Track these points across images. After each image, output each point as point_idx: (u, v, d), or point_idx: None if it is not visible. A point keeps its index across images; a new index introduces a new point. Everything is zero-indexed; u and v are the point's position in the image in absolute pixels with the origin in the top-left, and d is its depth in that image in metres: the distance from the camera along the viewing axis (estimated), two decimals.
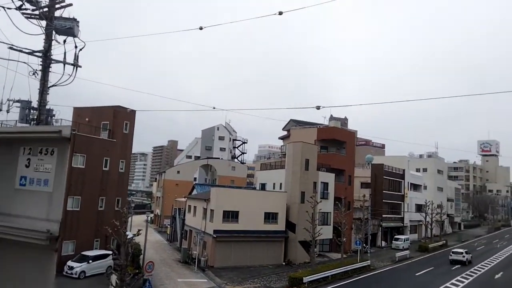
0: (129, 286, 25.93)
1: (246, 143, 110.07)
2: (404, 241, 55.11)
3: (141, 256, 31.76)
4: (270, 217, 39.72)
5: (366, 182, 56.36)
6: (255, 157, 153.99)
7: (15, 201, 2.51)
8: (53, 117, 14.54)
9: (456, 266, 42.88)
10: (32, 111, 14.23)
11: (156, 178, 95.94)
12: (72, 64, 14.46)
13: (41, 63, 14.48)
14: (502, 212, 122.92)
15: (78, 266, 28.37)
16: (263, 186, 47.88)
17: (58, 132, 2.23)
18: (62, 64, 14.94)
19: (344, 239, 44.21)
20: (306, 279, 30.50)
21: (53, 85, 14.25)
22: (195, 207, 43.37)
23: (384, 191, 56.38)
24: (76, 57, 14.61)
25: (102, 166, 32.23)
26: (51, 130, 2.27)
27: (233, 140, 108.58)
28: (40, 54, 14.58)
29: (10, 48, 14.24)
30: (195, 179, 75.93)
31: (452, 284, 33.89)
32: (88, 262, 28.81)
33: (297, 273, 32.17)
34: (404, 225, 61.99)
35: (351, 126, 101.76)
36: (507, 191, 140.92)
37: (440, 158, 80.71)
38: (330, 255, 46.23)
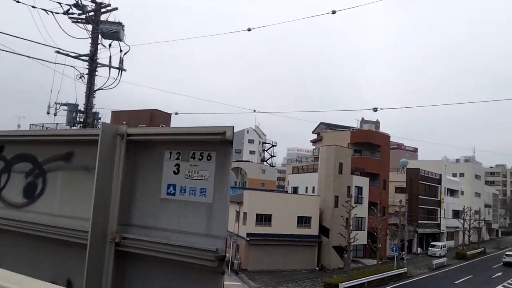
0: None
1: (275, 146, 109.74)
2: (441, 248, 53.32)
3: None
4: (303, 221, 39.23)
5: (400, 186, 54.88)
6: (283, 160, 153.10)
7: (162, 213, 2.24)
8: (99, 120, 14.68)
9: (497, 274, 41.12)
10: (79, 114, 14.40)
11: None
12: (117, 68, 14.57)
13: (87, 66, 14.65)
14: None
15: None
16: (295, 190, 47.43)
17: (221, 134, 1.98)
18: (105, 68, 15.07)
19: (379, 245, 43.23)
20: (342, 286, 29.84)
21: (99, 89, 14.42)
22: None
23: (420, 196, 54.77)
24: (121, 61, 14.70)
25: None
26: (212, 132, 1.99)
27: (263, 143, 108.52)
28: (86, 58, 14.77)
29: (57, 52, 14.43)
30: None
31: None
32: None
33: (332, 279, 31.57)
34: (441, 231, 60.03)
35: (382, 128, 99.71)
36: None
37: (478, 163, 77.84)
38: (364, 261, 45.19)
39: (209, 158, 2.08)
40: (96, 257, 2.04)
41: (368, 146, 48.17)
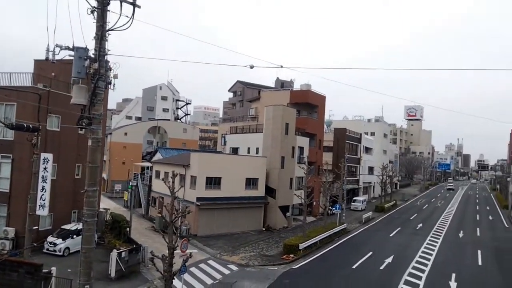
0: (127, 262, 23.34)
1: (190, 104, 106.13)
2: (362, 202, 57.27)
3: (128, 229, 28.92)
4: (251, 183, 38.33)
5: (327, 146, 56.83)
6: (190, 118, 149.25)
7: None
8: (111, 71, 11.29)
9: (419, 226, 45.41)
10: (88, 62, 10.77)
11: None
12: (130, 3, 11.22)
13: None
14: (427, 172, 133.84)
15: (61, 243, 24.82)
16: (234, 150, 46.02)
17: None
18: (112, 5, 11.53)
19: (314, 203, 44.61)
20: (301, 246, 29.99)
21: (110, 29, 11.01)
22: (166, 172, 40.41)
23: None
24: None
25: (78, 129, 27.87)
26: None
27: (176, 100, 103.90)
28: None
29: None
30: None
31: (429, 244, 35.55)
32: (72, 238, 25.35)
33: (291, 239, 31.51)
34: (359, 186, 64.36)
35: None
36: (429, 153, 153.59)
37: (385, 123, 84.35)
38: (301, 218, 46.33)
39: None
40: None
41: (306, 106, 48.35)
